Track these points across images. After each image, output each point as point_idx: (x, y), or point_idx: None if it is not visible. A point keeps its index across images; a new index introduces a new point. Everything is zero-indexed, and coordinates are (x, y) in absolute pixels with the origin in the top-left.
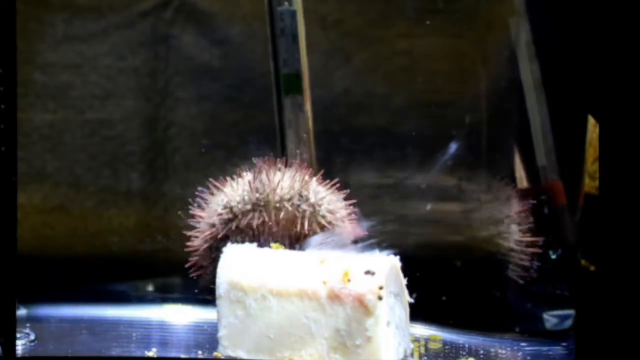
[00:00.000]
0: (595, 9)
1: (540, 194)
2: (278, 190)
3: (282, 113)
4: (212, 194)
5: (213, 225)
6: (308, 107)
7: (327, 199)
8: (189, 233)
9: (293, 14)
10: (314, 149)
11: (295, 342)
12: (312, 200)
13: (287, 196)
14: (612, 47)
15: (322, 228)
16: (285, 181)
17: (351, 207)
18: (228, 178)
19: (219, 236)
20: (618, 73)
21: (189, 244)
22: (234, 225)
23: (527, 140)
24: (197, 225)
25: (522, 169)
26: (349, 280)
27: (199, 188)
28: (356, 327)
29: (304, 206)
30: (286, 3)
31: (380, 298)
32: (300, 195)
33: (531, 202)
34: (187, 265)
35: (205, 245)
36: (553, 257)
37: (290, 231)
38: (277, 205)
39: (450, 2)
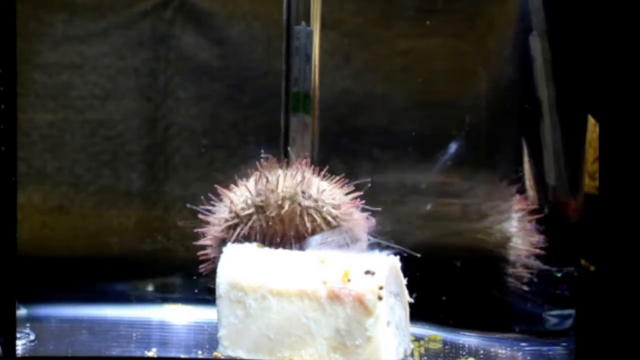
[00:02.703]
0: (595, 9)
1: (551, 211)
2: (279, 190)
3: (288, 131)
4: (219, 199)
5: (221, 231)
6: (315, 128)
7: (329, 193)
8: (199, 242)
9: (309, 34)
10: (316, 169)
11: (295, 342)
12: (314, 196)
13: (288, 194)
14: (611, 48)
15: (328, 223)
16: (287, 180)
17: (357, 201)
18: (233, 184)
19: (228, 241)
20: (618, 73)
21: (201, 252)
22: (239, 229)
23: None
24: (206, 232)
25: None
26: (349, 280)
27: (208, 195)
28: (356, 327)
29: (305, 202)
30: (303, 22)
31: (380, 298)
32: (303, 192)
33: (539, 217)
34: (202, 272)
35: (217, 251)
36: (558, 275)
37: (295, 229)
38: (279, 204)
39: (450, 2)
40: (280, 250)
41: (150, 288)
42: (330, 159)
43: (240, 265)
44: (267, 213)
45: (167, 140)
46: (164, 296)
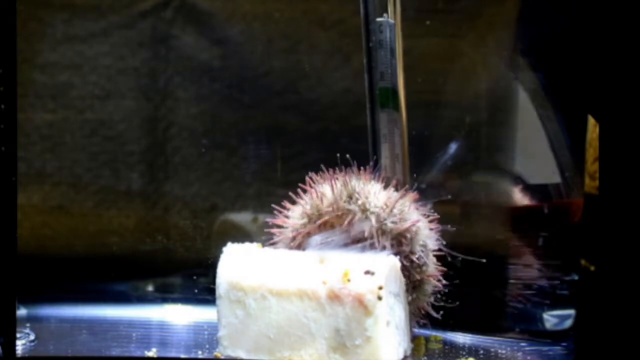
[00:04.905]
0: (595, 9)
1: (553, 212)
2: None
3: (376, 127)
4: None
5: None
6: (404, 123)
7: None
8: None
9: (392, 27)
10: (408, 165)
11: (295, 342)
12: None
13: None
14: (612, 47)
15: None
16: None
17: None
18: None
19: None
20: (618, 73)
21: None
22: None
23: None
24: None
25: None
26: (348, 280)
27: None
28: (356, 327)
29: (348, 206)
30: (386, 15)
31: (380, 298)
32: (350, 197)
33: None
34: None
35: None
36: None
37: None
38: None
39: (450, 2)
40: (280, 250)
41: (150, 288)
42: (330, 159)
43: (240, 265)
44: (316, 221)
45: (167, 140)
46: (164, 296)
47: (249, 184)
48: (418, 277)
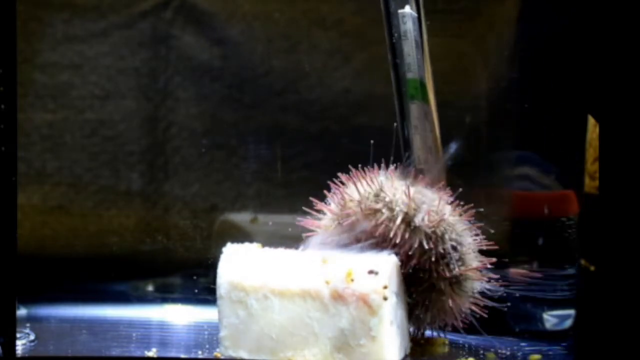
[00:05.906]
0: (596, 9)
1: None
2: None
3: (406, 119)
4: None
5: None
6: (434, 115)
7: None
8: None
9: (415, 19)
10: (442, 156)
11: (298, 342)
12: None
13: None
14: (612, 47)
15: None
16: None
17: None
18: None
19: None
20: (618, 73)
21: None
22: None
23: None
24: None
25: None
26: (352, 280)
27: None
28: (360, 327)
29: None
30: (407, 6)
31: (385, 298)
32: (377, 195)
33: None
34: None
35: None
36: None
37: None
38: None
39: (450, 2)
40: (281, 250)
41: (150, 288)
42: (330, 159)
43: (241, 266)
44: (344, 222)
45: (167, 140)
46: (164, 296)
47: (249, 184)
48: (453, 273)
